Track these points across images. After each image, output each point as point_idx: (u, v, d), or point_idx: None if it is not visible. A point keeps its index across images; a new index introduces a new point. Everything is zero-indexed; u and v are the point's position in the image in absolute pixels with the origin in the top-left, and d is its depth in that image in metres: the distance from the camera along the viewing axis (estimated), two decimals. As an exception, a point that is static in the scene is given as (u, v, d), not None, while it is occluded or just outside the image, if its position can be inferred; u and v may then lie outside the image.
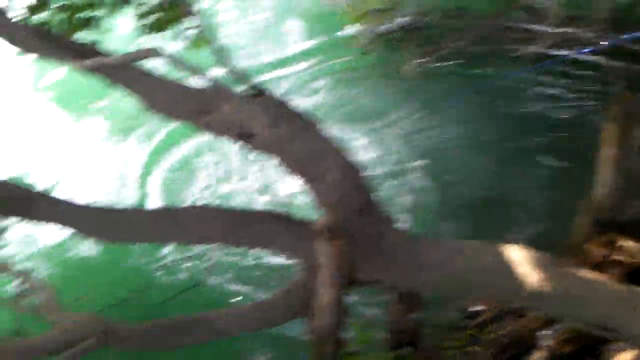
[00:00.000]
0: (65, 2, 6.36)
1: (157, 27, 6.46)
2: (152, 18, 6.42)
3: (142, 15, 6.46)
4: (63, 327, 5.38)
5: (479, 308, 7.97)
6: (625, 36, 10.72)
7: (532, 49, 10.57)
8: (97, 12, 6.37)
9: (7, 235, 5.48)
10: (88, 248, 10.69)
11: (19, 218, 5.41)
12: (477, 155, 11.21)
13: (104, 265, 10.50)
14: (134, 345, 5.81)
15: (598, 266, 7.19)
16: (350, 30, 13.58)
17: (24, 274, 6.42)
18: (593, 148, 7.41)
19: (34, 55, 5.49)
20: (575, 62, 12.02)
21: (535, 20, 12.56)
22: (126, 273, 10.29)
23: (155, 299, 9.43)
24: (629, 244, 7.43)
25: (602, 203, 7.57)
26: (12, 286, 8.57)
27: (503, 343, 7.16)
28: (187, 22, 6.49)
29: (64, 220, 5.55)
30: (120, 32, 8.33)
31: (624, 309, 5.13)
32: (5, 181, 5.34)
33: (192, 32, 6.61)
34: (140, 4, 6.36)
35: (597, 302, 5.23)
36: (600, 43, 10.75)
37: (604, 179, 7.38)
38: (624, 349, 6.44)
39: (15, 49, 5.42)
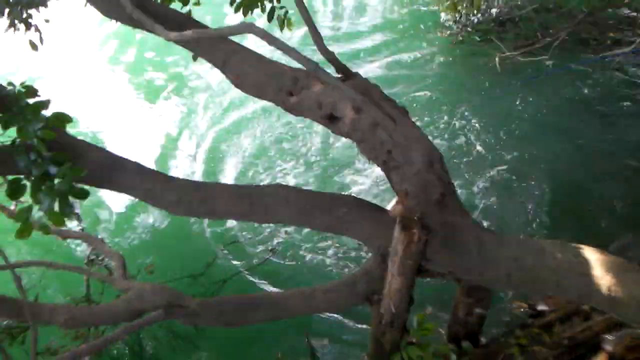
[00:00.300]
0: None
1: (247, 6, 6.55)
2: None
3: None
4: (128, 297, 5.52)
5: (545, 308, 7.94)
6: None
7: (627, 50, 10.54)
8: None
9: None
10: (159, 217, 10.90)
11: (100, 185, 5.47)
12: (558, 149, 11.22)
13: (173, 235, 10.61)
14: (202, 320, 5.93)
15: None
16: (443, 18, 13.80)
17: (97, 241, 6.55)
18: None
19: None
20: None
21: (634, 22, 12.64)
22: (195, 246, 10.36)
23: (219, 275, 9.54)
24: None
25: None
26: (85, 253, 8.87)
27: (567, 344, 7.11)
28: (277, 4, 6.68)
29: (146, 194, 5.60)
30: (211, 7, 8.41)
31: None
32: (91, 145, 5.39)
33: (284, 13, 6.76)
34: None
35: None
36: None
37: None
38: None
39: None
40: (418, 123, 5.67)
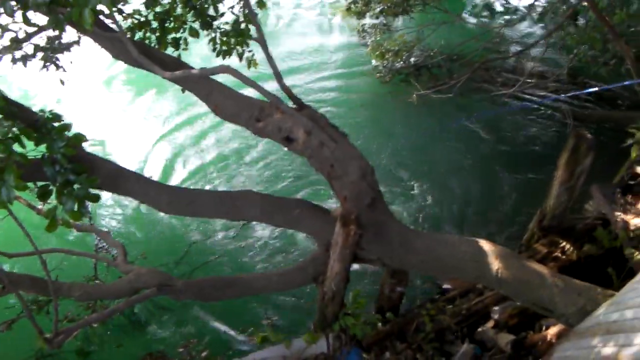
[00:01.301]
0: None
1: (225, 51, 7.78)
2: (220, 46, 7.78)
3: (213, 40, 7.79)
4: (129, 278, 6.47)
5: (449, 286, 9.11)
6: (582, 91, 12.50)
7: (510, 91, 12.31)
8: (183, 35, 7.67)
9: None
10: (150, 218, 12.06)
11: (109, 191, 6.43)
12: (459, 167, 12.99)
13: (161, 230, 11.87)
14: (186, 296, 6.89)
15: (542, 260, 8.37)
16: (374, 64, 15.51)
17: (104, 234, 7.63)
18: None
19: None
20: (543, 104, 13.98)
21: (515, 69, 14.66)
22: (185, 235, 11.70)
23: (199, 259, 10.94)
24: (565, 244, 8.71)
25: (550, 212, 8.72)
26: (94, 242, 9.96)
27: (465, 314, 8.20)
28: (246, 48, 7.88)
29: (144, 197, 6.57)
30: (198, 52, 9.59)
31: (559, 294, 6.12)
32: (102, 159, 6.29)
33: (249, 55, 7.97)
34: (215, 30, 7.70)
35: (540, 287, 6.24)
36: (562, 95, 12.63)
37: (554, 194, 8.49)
38: (553, 324, 7.57)
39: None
40: (355, 143, 6.86)
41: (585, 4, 10.28)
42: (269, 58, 6.10)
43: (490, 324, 8.17)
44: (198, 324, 9.79)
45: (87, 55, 8.98)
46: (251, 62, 7.93)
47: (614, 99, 14.15)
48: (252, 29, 6.58)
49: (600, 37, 11.93)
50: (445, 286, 9.27)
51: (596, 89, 10.99)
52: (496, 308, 8.18)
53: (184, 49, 7.64)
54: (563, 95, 12.32)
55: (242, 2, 6.66)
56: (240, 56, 7.84)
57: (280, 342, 7.40)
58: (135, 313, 9.54)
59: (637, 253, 7.51)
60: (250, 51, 7.84)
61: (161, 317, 9.69)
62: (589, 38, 12.19)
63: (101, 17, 6.39)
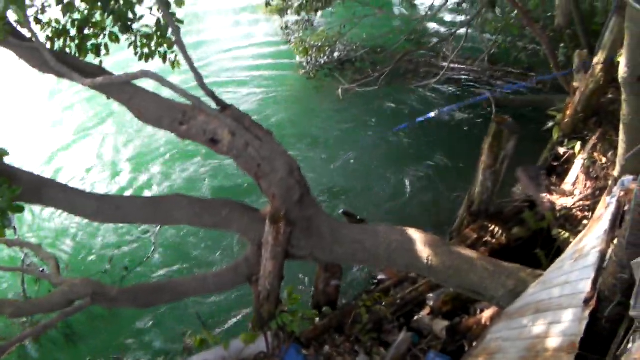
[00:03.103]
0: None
1: (147, 56, 7.68)
2: (141, 49, 7.67)
3: (133, 44, 7.67)
4: (62, 289, 6.35)
5: (383, 277, 9.17)
6: (510, 86, 12.78)
7: (433, 80, 12.49)
8: (104, 41, 7.55)
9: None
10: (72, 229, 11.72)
11: (32, 202, 6.26)
12: (386, 158, 13.14)
13: (89, 234, 11.58)
14: (120, 304, 6.86)
15: (473, 245, 8.51)
16: (298, 60, 15.54)
17: (36, 247, 7.45)
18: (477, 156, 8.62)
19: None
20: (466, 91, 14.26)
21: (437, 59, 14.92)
22: (113, 242, 11.41)
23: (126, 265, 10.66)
24: (494, 228, 8.82)
25: (477, 198, 8.82)
26: (24, 257, 9.69)
27: (400, 303, 8.29)
28: (170, 50, 7.80)
29: (70, 206, 6.46)
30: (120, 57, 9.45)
31: (489, 277, 6.27)
32: (24, 170, 6.14)
33: (175, 57, 7.88)
34: (135, 34, 7.59)
35: (470, 272, 6.38)
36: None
37: (480, 180, 8.57)
38: (487, 307, 7.69)
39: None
40: (282, 140, 6.85)
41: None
42: (188, 60, 6.12)
43: (426, 311, 8.30)
44: (133, 332, 9.63)
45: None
46: (175, 64, 7.84)
47: (534, 85, 14.42)
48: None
49: (518, 23, 12.18)
50: (380, 277, 9.37)
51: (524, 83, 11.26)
52: (431, 295, 8.28)
53: (105, 55, 7.49)
54: (508, 86, 12.49)
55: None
56: (164, 58, 7.75)
57: (219, 343, 7.33)
58: (70, 325, 9.29)
59: (563, 232, 7.66)
60: (173, 52, 7.74)
61: (96, 328, 9.48)
62: (506, 25, 12.43)
63: (18, 27, 6.33)
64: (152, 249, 10.91)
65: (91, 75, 6.26)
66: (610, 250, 4.55)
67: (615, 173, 5.94)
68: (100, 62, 7.12)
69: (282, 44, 17.93)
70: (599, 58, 8.23)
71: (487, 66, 14.90)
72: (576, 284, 4.75)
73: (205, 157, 13.31)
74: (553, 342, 4.43)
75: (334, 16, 16.16)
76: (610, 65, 7.95)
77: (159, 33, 7.63)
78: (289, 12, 16.05)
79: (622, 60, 5.00)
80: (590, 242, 5.08)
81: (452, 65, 13.31)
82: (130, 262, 10.72)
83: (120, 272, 10.38)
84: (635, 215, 3.97)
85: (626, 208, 4.51)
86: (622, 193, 4.70)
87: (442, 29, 17.79)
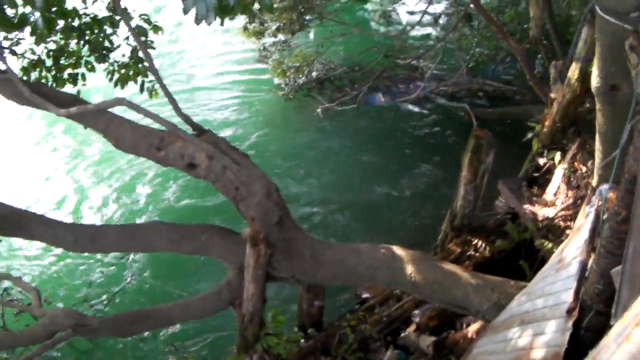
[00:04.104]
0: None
1: (122, 82, 7.66)
2: (118, 75, 7.65)
3: (110, 73, 7.66)
4: (44, 321, 6.26)
5: (368, 295, 9.10)
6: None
7: (412, 96, 12.53)
8: (79, 70, 7.52)
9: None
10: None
11: (11, 235, 6.29)
12: (367, 175, 13.10)
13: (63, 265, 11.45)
14: (102, 334, 6.80)
15: (456, 260, 8.43)
16: (276, 82, 15.55)
17: (17, 280, 7.35)
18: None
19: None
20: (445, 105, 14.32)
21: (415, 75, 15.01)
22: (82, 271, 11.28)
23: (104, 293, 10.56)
24: (477, 242, 8.77)
25: (459, 212, 8.76)
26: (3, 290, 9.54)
27: (385, 321, 8.19)
28: (146, 78, 7.78)
29: (49, 239, 6.41)
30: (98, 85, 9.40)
31: (473, 291, 6.27)
32: (2, 203, 6.14)
33: (149, 85, 7.87)
34: (112, 63, 7.58)
35: (454, 287, 6.38)
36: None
37: (461, 194, 8.55)
38: (473, 321, 7.52)
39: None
40: (259, 163, 6.80)
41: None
42: (163, 87, 6.12)
43: (412, 328, 8.21)
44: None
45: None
46: (152, 92, 7.83)
47: (514, 97, 14.56)
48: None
49: (493, 36, 12.23)
50: (365, 295, 9.29)
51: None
52: (416, 312, 8.19)
53: (83, 85, 7.46)
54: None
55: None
56: (141, 87, 7.73)
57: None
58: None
59: (547, 243, 7.63)
60: (150, 81, 7.72)
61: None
62: (482, 38, 12.49)
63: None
64: (129, 275, 10.92)
65: (67, 104, 6.23)
66: (591, 260, 4.52)
67: (594, 182, 5.91)
68: (78, 91, 7.10)
69: (259, 66, 17.91)
70: (573, 68, 8.23)
71: (466, 79, 14.94)
72: (559, 294, 4.76)
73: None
74: (538, 354, 4.41)
75: (311, 37, 16.13)
76: (586, 75, 7.96)
77: (133, 61, 7.61)
78: (266, 34, 16.04)
79: (594, 70, 4.99)
80: (571, 252, 5.09)
81: (430, 80, 13.28)
82: (108, 285, 10.72)
83: (100, 300, 10.29)
84: (612, 223, 3.95)
85: (605, 217, 4.47)
86: (600, 202, 4.66)
87: (420, 44, 17.83)
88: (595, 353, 2.37)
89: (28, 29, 6.06)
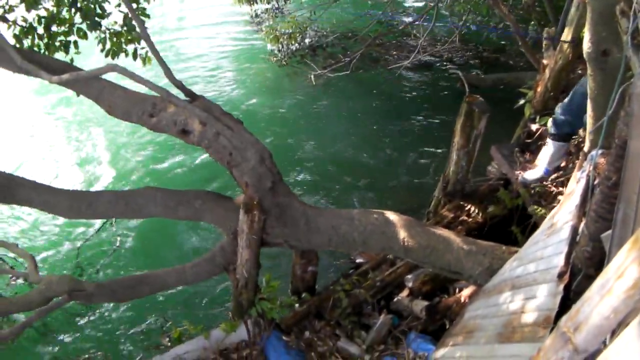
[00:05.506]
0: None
1: (113, 53, 7.58)
2: (109, 44, 7.57)
3: (102, 41, 7.58)
4: (40, 288, 6.30)
5: (361, 260, 9.15)
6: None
7: (406, 62, 12.45)
8: (71, 38, 7.44)
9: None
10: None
11: (4, 201, 6.27)
12: (359, 141, 13.13)
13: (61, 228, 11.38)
14: (98, 299, 6.81)
15: (449, 225, 8.47)
16: (269, 48, 15.48)
17: (12, 246, 7.33)
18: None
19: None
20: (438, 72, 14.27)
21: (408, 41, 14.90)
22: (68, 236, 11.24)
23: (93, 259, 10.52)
24: (470, 208, 8.82)
25: (452, 178, 8.80)
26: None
27: (379, 285, 8.19)
28: (138, 45, 7.70)
29: (43, 205, 6.41)
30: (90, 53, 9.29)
31: (465, 256, 6.28)
32: None
33: (141, 53, 7.80)
34: (104, 31, 7.50)
35: (446, 252, 6.38)
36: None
37: (454, 160, 8.58)
38: (466, 286, 7.72)
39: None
40: (253, 129, 6.79)
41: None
42: (155, 53, 6.05)
43: (405, 292, 8.24)
44: (111, 329, 9.43)
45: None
46: (145, 60, 7.77)
47: (506, 63, 14.51)
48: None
49: (485, 3, 12.16)
50: (359, 260, 9.32)
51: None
52: (409, 276, 8.22)
53: (76, 53, 7.40)
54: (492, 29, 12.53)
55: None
56: (134, 54, 7.67)
57: (199, 333, 7.26)
58: (46, 323, 9.13)
59: (539, 209, 7.63)
60: (143, 48, 7.66)
61: (73, 326, 9.29)
62: (474, 4, 12.41)
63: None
64: (117, 241, 10.97)
65: (59, 72, 6.14)
66: (582, 225, 4.51)
67: (585, 148, 5.89)
68: (72, 59, 7.02)
69: (251, 33, 17.89)
70: (565, 34, 8.18)
71: (459, 46, 14.91)
72: (550, 259, 4.74)
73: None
74: (529, 317, 4.43)
75: (303, 4, 16.06)
76: (578, 41, 7.91)
77: (126, 29, 7.55)
78: (258, 1, 15.99)
79: (586, 36, 4.95)
80: (562, 217, 5.08)
81: (423, 47, 13.20)
82: (99, 254, 10.71)
83: (89, 266, 10.32)
84: (603, 188, 3.94)
85: (596, 182, 4.47)
86: (591, 167, 4.65)
87: (412, 10, 17.79)
88: (578, 306, 2.38)
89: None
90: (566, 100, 7.33)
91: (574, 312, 2.42)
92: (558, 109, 7.43)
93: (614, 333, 2.47)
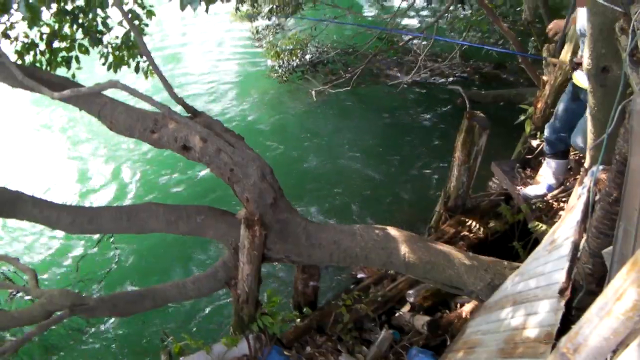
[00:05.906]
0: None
1: (115, 66, 7.60)
2: (112, 58, 7.59)
3: (104, 56, 7.60)
4: (41, 302, 6.21)
5: (363, 275, 9.13)
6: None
7: (407, 78, 12.49)
8: (73, 53, 7.46)
9: None
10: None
11: (6, 216, 6.30)
12: (361, 156, 13.10)
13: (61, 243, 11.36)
14: (99, 313, 6.77)
15: (450, 240, 8.43)
16: (270, 64, 15.52)
17: (13, 260, 7.30)
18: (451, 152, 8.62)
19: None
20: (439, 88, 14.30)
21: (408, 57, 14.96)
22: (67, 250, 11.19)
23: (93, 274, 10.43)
24: (471, 223, 8.80)
25: (453, 193, 8.82)
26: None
27: (380, 301, 8.19)
28: (141, 59, 7.72)
29: (45, 220, 6.40)
30: (91, 68, 9.31)
31: (467, 271, 6.27)
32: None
33: (143, 67, 7.82)
34: (106, 46, 7.52)
35: (448, 267, 6.36)
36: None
37: (455, 175, 8.60)
38: (467, 301, 7.73)
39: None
40: (254, 145, 6.77)
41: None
42: (156, 69, 6.07)
43: (407, 308, 8.24)
44: (112, 343, 9.42)
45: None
46: (147, 73, 7.79)
47: (506, 79, 14.56)
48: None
49: (486, 19, 12.21)
50: (360, 275, 9.31)
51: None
52: (410, 292, 8.20)
53: (77, 68, 7.42)
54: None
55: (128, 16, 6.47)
56: (136, 68, 7.69)
57: (200, 348, 7.23)
58: (47, 338, 9.11)
59: (539, 225, 7.62)
60: (145, 61, 7.69)
61: (74, 340, 9.27)
62: (475, 21, 12.46)
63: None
64: (117, 254, 10.96)
65: (61, 87, 6.18)
66: (583, 241, 4.52)
67: (586, 164, 5.89)
68: (73, 75, 7.04)
69: (252, 49, 17.94)
70: (565, 51, 8.21)
71: (459, 62, 14.96)
72: (551, 274, 4.74)
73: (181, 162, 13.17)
74: (530, 333, 4.40)
75: (304, 20, 16.12)
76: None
77: (128, 44, 7.58)
78: (259, 17, 16.08)
79: (585, 52, 4.95)
80: (563, 233, 5.08)
81: (423, 63, 13.24)
82: (99, 268, 10.68)
83: (90, 281, 10.27)
84: (604, 204, 3.94)
85: (597, 198, 4.47)
86: (592, 183, 4.65)
87: (413, 25, 17.85)
88: (578, 327, 2.37)
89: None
90: (551, 120, 7.40)
91: (573, 333, 2.41)
92: (546, 131, 7.49)
93: (613, 354, 2.46)
